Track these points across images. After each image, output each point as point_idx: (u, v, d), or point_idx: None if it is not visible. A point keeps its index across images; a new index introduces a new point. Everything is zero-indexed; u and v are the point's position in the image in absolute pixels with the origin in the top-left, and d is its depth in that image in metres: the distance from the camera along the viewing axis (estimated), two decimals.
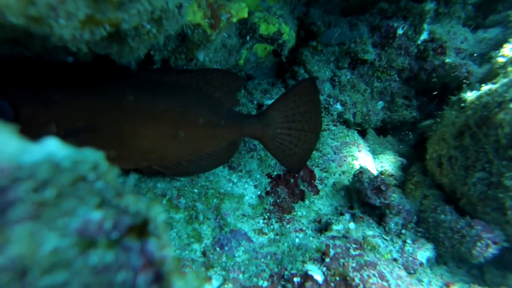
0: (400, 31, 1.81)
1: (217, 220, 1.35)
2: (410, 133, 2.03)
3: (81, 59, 1.11)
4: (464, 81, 1.72)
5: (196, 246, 1.25)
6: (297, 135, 1.36)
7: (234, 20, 1.16)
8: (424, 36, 1.84)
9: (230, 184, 1.53)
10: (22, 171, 0.25)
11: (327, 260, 0.98)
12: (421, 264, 1.27)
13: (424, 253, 1.25)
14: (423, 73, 1.86)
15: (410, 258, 1.27)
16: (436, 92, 1.93)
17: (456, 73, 1.76)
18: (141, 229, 0.26)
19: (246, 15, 1.17)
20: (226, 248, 1.27)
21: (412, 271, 1.27)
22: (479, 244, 1.14)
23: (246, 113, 1.68)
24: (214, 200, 1.40)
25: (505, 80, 1.21)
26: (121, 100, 1.04)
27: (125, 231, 0.26)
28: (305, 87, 1.37)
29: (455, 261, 1.29)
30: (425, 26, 1.83)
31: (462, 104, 1.36)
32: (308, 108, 1.36)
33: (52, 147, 0.27)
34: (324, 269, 0.96)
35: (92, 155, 0.28)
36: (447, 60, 1.79)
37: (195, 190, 1.41)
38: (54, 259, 0.26)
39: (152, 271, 0.25)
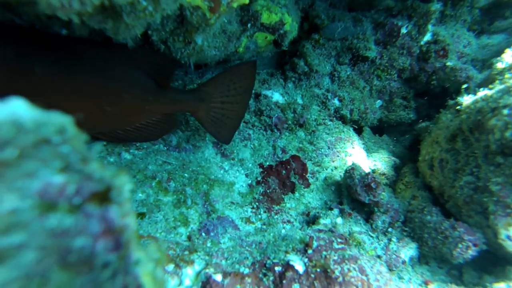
0: (404, 30, 1.79)
1: (205, 206, 1.36)
2: (407, 136, 2.03)
3: (76, 32, 1.09)
4: (463, 85, 1.71)
5: (182, 229, 1.26)
6: (229, 108, 1.41)
7: (235, 5, 1.14)
8: (427, 37, 1.83)
9: (222, 171, 1.53)
10: None
11: (310, 251, 0.98)
12: (403, 262, 1.29)
13: (407, 251, 1.26)
14: (424, 75, 1.85)
15: (394, 256, 1.28)
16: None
17: (456, 77, 1.76)
18: (104, 195, 0.26)
19: (247, 1, 1.15)
20: (212, 234, 1.28)
21: (394, 268, 1.28)
22: (460, 245, 1.15)
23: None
24: (204, 185, 1.40)
25: (501, 87, 1.20)
26: (32, 71, 0.90)
27: (88, 197, 0.26)
28: (245, 68, 1.42)
29: (437, 261, 1.30)
30: (429, 27, 1.81)
31: (458, 107, 1.35)
32: (242, 84, 1.42)
33: (18, 107, 0.27)
34: (306, 260, 0.96)
35: (59, 119, 0.27)
36: (448, 63, 1.78)
37: (186, 175, 1.41)
38: (12, 220, 0.25)
39: (111, 239, 0.25)
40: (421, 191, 1.44)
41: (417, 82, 1.89)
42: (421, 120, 1.95)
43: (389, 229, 1.40)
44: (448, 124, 1.37)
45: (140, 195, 1.30)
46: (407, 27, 1.78)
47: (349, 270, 0.93)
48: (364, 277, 0.90)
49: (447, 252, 1.18)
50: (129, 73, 1.16)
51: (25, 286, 0.24)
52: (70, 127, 0.27)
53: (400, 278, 1.19)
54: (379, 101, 1.99)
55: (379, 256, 1.32)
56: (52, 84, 0.95)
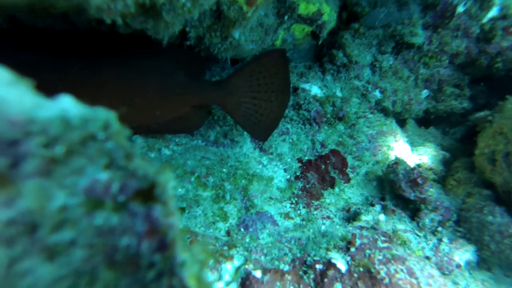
0: (460, 9, 1.61)
1: (244, 201, 1.36)
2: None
3: None
4: None
5: (221, 225, 1.27)
6: (263, 105, 1.34)
7: None
8: (493, 12, 1.62)
9: (260, 166, 1.52)
10: (34, 125, 0.25)
11: (352, 249, 0.94)
12: (458, 266, 1.19)
13: (463, 254, 1.16)
14: (484, 58, 1.66)
15: (446, 258, 1.19)
16: None
17: None
18: (148, 193, 0.25)
19: None
20: (251, 229, 1.28)
21: (447, 272, 1.19)
22: None
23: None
24: (243, 181, 1.40)
25: None
26: (65, 71, 0.95)
27: (132, 194, 0.25)
28: (273, 58, 1.34)
29: (503, 268, 1.18)
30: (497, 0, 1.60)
31: None
32: (275, 79, 1.34)
33: (66, 104, 0.27)
34: (349, 258, 0.92)
35: (103, 114, 0.27)
36: None
37: (224, 170, 1.42)
38: (62, 216, 0.26)
39: (156, 239, 0.25)
40: (479, 188, 1.31)
41: (475, 67, 1.71)
42: (477, 110, 1.78)
43: (439, 229, 1.30)
44: None
45: (179, 190, 1.33)
46: (465, 4, 1.59)
47: (396, 271, 0.88)
48: (413, 280, 0.84)
49: None
50: (155, 66, 1.17)
51: (74, 284, 0.24)
52: (114, 122, 0.27)
53: (455, 283, 1.09)
54: (425, 91, 1.85)
55: (427, 257, 1.23)
56: (83, 82, 0.98)
